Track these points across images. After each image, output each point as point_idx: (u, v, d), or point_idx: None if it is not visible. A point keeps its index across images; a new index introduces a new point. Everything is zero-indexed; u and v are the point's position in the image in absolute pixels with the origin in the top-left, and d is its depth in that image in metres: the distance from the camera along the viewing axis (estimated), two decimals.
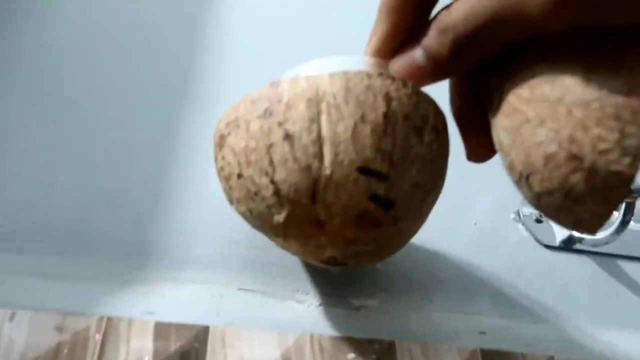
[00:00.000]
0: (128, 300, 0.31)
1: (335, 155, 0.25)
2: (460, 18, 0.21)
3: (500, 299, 0.38)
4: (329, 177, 0.25)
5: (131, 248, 0.33)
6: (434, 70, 0.24)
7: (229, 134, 0.28)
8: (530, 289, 0.39)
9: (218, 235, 0.35)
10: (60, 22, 0.43)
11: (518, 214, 0.44)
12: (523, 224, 0.44)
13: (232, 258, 0.34)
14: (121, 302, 0.30)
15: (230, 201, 0.30)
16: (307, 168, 0.25)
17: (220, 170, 0.29)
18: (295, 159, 0.25)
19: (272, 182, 0.26)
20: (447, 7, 0.22)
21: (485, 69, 0.24)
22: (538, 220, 0.44)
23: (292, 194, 0.26)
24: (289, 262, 0.35)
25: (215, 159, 0.30)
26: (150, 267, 0.32)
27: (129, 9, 0.45)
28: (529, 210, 0.44)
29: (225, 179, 0.29)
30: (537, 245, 0.43)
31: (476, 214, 0.43)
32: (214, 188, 0.37)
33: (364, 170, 0.25)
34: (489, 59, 0.23)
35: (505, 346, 0.35)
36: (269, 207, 0.27)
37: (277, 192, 0.26)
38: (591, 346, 0.37)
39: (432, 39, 0.23)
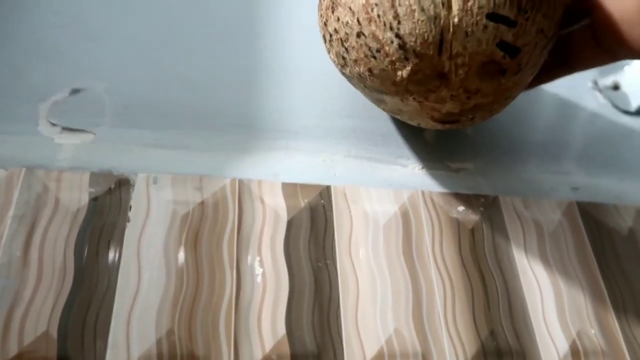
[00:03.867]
0: (250, 165, 0.32)
1: (464, 2, 0.25)
2: None
3: (587, 160, 0.39)
4: (458, 26, 0.25)
5: (241, 122, 0.34)
6: None
7: None
8: (612, 151, 0.41)
9: (318, 108, 0.36)
10: None
11: (595, 82, 0.45)
12: (601, 92, 0.44)
13: (334, 129, 0.36)
14: (245, 167, 0.32)
15: (343, 65, 0.30)
16: (435, 18, 0.25)
17: (333, 33, 0.30)
18: (422, 10, 0.25)
19: (398, 36, 0.26)
20: None
21: None
22: (615, 88, 0.45)
23: (418, 46, 0.26)
24: (387, 131, 0.37)
25: (326, 23, 0.30)
26: (262, 138, 0.34)
27: None
28: (606, 79, 0.45)
29: (341, 42, 0.29)
30: (615, 111, 0.44)
31: (555, 84, 0.43)
32: (309, 64, 0.38)
33: (493, 16, 0.25)
34: None
35: (598, 199, 0.37)
36: (392, 62, 0.27)
37: (402, 45, 0.26)
38: None
39: None
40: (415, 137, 0.37)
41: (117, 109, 0.33)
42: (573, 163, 0.39)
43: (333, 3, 0.29)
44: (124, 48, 0.35)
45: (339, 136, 0.36)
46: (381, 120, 0.37)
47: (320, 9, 0.31)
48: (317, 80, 0.37)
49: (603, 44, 0.29)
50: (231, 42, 0.37)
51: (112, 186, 0.29)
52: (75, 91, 0.33)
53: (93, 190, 0.29)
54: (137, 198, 0.29)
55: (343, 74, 0.32)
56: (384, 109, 0.33)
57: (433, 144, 0.37)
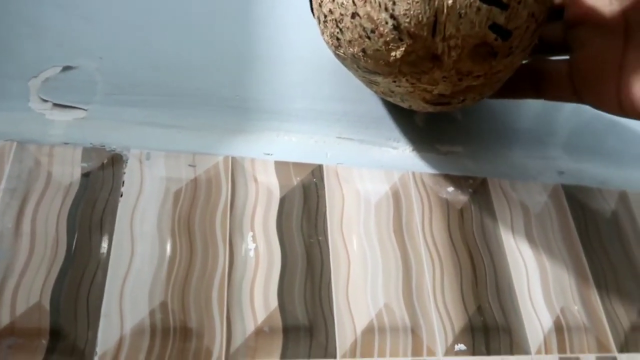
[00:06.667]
0: (244, 144, 0.33)
1: None
2: None
3: (573, 146, 0.40)
4: (451, 7, 0.26)
5: (233, 103, 0.34)
6: None
7: None
8: (597, 138, 0.42)
9: (310, 91, 0.37)
10: None
11: None
12: None
13: (326, 111, 0.36)
14: (238, 146, 0.32)
15: (337, 46, 0.31)
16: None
17: (327, 14, 0.30)
18: None
19: (392, 16, 0.27)
20: None
21: None
22: None
23: (412, 27, 0.27)
24: (378, 114, 0.37)
25: (321, 4, 0.30)
26: (254, 119, 0.34)
27: None
28: None
29: (335, 23, 0.30)
30: None
31: None
32: (302, 48, 0.38)
33: None
34: None
35: (582, 183, 0.38)
36: (386, 43, 0.28)
37: (396, 26, 0.27)
38: None
39: None
40: (405, 121, 0.37)
41: (109, 88, 0.33)
42: (559, 149, 0.40)
43: None
44: (117, 28, 0.35)
45: (330, 119, 0.36)
46: (372, 104, 0.38)
47: None
48: (310, 63, 0.38)
49: (574, 85, 0.29)
50: (225, 24, 0.38)
51: (105, 161, 0.29)
52: (67, 68, 0.33)
53: (85, 165, 0.29)
54: (129, 174, 0.29)
55: (337, 55, 0.32)
56: (376, 91, 0.33)
57: (423, 128, 0.38)
